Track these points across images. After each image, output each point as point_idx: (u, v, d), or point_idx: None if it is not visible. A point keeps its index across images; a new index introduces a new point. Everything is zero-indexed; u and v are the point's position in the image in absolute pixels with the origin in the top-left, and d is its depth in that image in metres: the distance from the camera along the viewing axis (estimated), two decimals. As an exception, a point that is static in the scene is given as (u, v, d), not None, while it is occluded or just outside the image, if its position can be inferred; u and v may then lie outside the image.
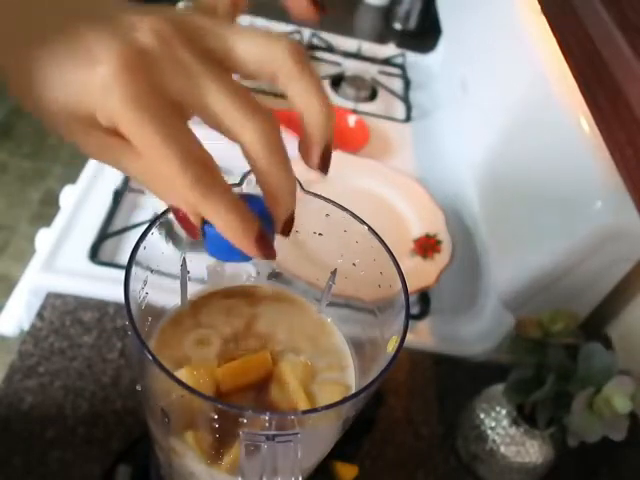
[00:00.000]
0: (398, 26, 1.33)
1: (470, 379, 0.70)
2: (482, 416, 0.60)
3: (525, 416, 0.57)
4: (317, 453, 0.38)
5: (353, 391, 0.38)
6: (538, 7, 0.67)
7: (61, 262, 0.69)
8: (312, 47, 1.17)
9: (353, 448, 0.61)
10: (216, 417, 0.31)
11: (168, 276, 0.38)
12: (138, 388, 0.36)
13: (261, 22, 1.17)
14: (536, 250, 0.63)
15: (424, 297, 0.76)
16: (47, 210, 1.70)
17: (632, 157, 0.43)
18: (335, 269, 0.41)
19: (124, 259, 0.71)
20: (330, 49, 1.17)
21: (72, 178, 0.82)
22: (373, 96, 1.10)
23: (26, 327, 0.64)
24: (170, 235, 0.37)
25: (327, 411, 0.30)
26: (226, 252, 0.29)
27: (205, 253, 0.30)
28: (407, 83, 1.15)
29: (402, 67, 1.19)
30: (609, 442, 0.51)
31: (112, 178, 0.79)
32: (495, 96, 0.82)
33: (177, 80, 0.26)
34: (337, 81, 1.10)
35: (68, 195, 0.78)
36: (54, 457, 0.54)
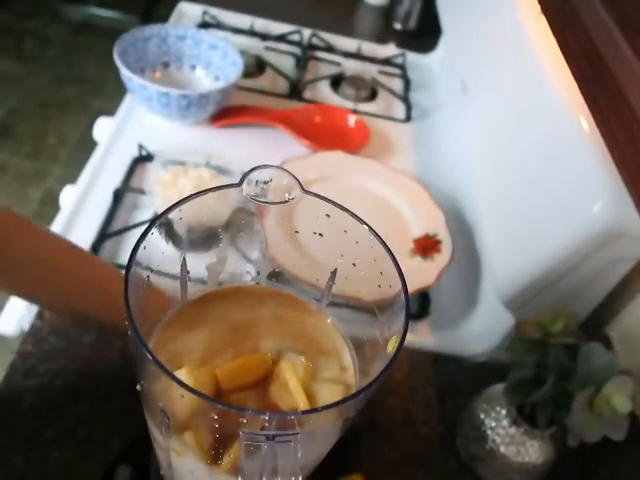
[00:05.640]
0: (398, 26, 1.33)
1: (470, 379, 0.70)
2: (482, 416, 0.60)
3: (525, 416, 0.57)
4: (317, 453, 0.38)
5: (353, 391, 0.38)
6: (538, 7, 0.67)
7: (61, 262, 0.69)
8: (312, 47, 1.17)
9: (353, 448, 0.61)
10: (216, 417, 0.31)
11: (168, 276, 0.38)
12: (138, 388, 0.36)
13: (261, 22, 1.17)
14: (536, 250, 0.63)
15: (424, 297, 0.76)
16: (47, 210, 1.70)
17: (632, 157, 0.43)
18: (335, 269, 0.41)
19: (124, 259, 0.71)
20: (330, 49, 1.17)
21: (72, 178, 0.81)
22: (373, 96, 1.10)
23: (26, 327, 0.64)
24: (170, 235, 0.37)
25: (327, 411, 0.30)
26: None
27: (205, 253, 0.30)
28: (407, 83, 1.14)
29: (402, 67, 1.19)
30: (609, 442, 0.50)
31: (112, 178, 0.79)
32: (495, 96, 0.82)
33: None
34: (337, 81, 1.10)
35: (68, 195, 0.78)
36: (54, 457, 0.54)
